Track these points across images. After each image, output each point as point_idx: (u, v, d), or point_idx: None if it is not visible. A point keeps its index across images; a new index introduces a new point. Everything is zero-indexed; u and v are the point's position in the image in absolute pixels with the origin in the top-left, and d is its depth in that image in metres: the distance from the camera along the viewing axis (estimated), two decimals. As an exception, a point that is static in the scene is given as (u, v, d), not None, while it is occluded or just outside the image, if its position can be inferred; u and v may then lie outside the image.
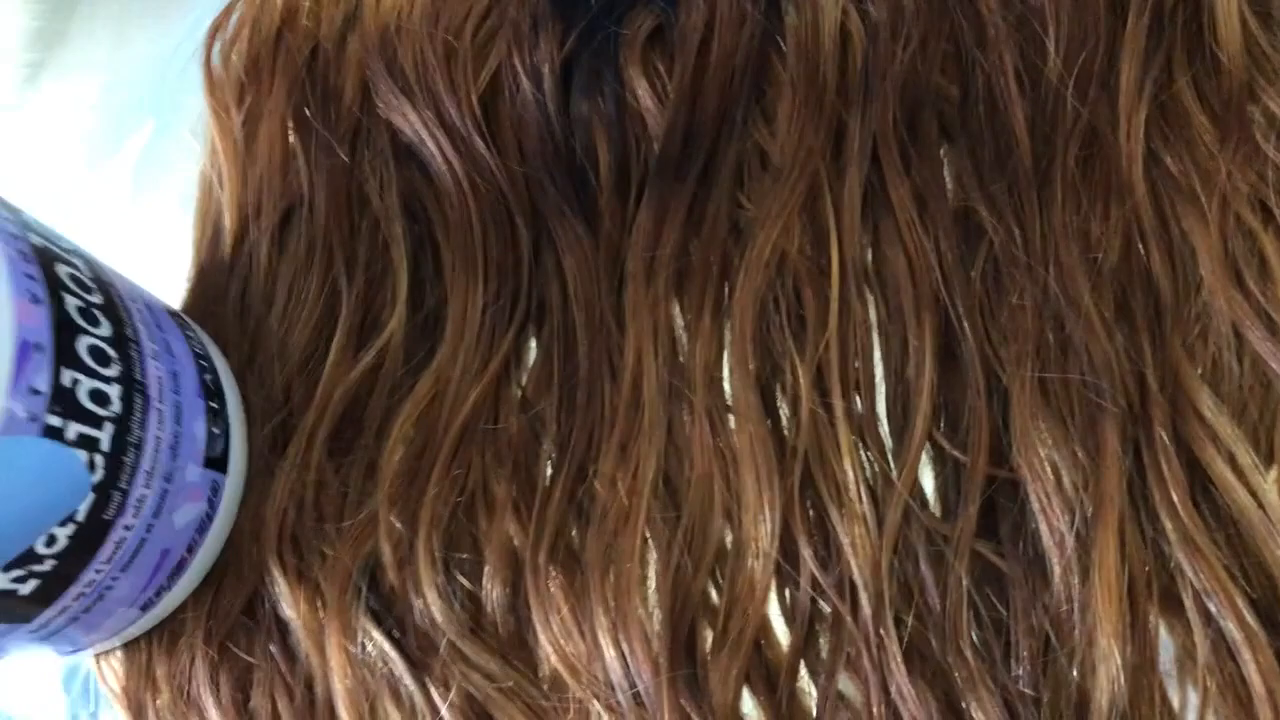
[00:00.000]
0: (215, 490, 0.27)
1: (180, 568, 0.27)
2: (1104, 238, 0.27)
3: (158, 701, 0.27)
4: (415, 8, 0.31)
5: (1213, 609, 0.24)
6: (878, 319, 0.28)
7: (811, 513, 0.27)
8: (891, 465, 0.27)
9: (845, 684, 0.26)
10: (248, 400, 0.28)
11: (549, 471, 0.28)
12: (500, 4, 0.31)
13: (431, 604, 0.27)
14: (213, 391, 0.27)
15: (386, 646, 0.26)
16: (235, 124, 0.30)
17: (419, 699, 0.26)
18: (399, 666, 0.26)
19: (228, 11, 0.31)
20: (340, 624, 0.27)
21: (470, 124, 0.29)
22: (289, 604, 0.27)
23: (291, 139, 0.30)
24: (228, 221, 0.30)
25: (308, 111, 0.30)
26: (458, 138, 0.29)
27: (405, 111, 0.30)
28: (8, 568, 0.22)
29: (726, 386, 0.28)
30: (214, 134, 0.31)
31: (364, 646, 0.27)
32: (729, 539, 0.27)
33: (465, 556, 0.27)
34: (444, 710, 0.26)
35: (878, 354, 0.28)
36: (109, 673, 0.28)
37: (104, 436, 0.23)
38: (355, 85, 0.30)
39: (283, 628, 0.28)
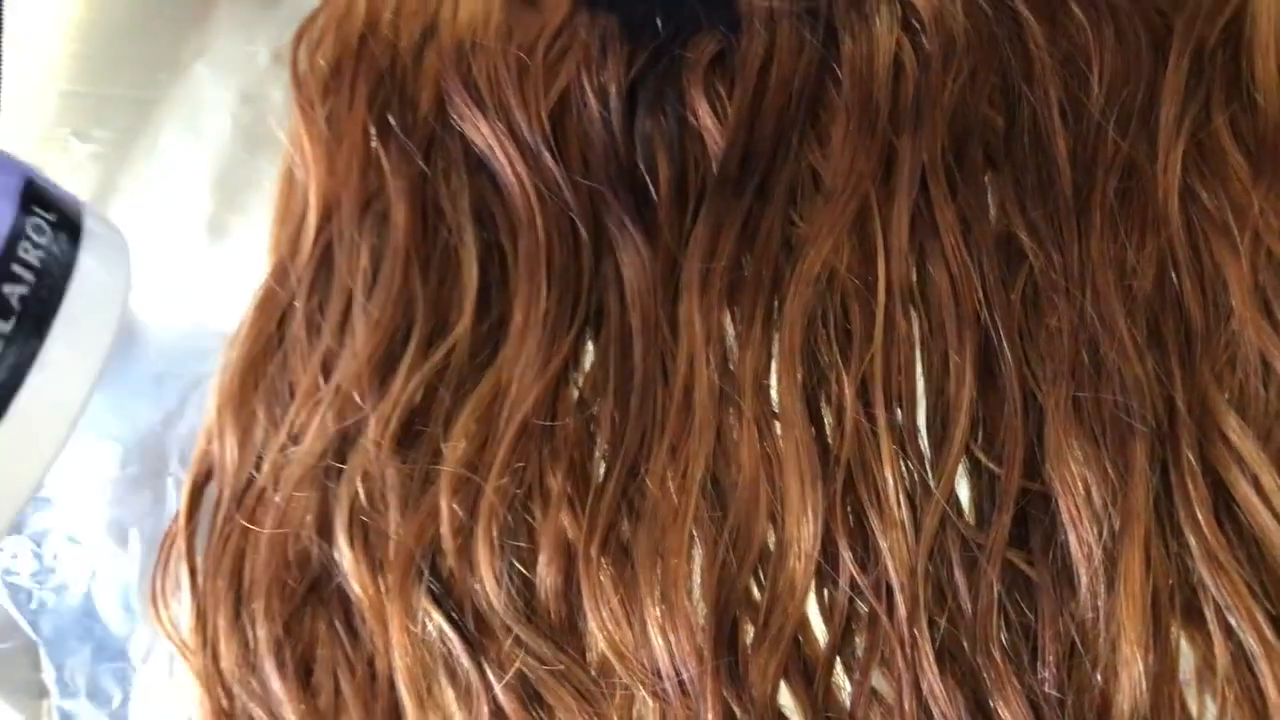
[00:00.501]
0: None
1: None
2: (1139, 266, 0.28)
3: (223, 668, 0.29)
4: (490, 25, 0.32)
5: (1233, 622, 0.26)
6: (920, 336, 0.29)
7: (852, 518, 0.28)
8: (929, 475, 0.28)
9: (878, 681, 0.27)
10: None
11: (602, 469, 0.29)
12: (571, 26, 0.32)
13: (489, 588, 0.28)
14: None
15: (446, 627, 0.28)
16: (320, 119, 0.32)
17: (474, 677, 0.28)
18: (457, 646, 0.28)
19: (313, 18, 0.33)
20: (403, 604, 0.28)
21: (539, 138, 0.31)
22: (356, 582, 0.28)
23: (373, 143, 0.31)
24: (311, 215, 0.31)
25: (390, 118, 0.31)
26: (527, 150, 0.31)
27: (478, 123, 0.31)
28: None
29: (774, 395, 0.29)
30: (299, 128, 0.32)
31: (424, 626, 0.28)
32: (772, 540, 0.28)
33: (521, 545, 0.29)
34: (498, 689, 0.28)
35: (919, 369, 0.29)
36: (174, 634, 0.30)
37: None
38: (431, 96, 0.32)
39: (346, 607, 0.29)
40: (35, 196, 0.27)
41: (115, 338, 0.27)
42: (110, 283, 0.28)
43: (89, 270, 0.27)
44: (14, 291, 0.25)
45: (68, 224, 0.27)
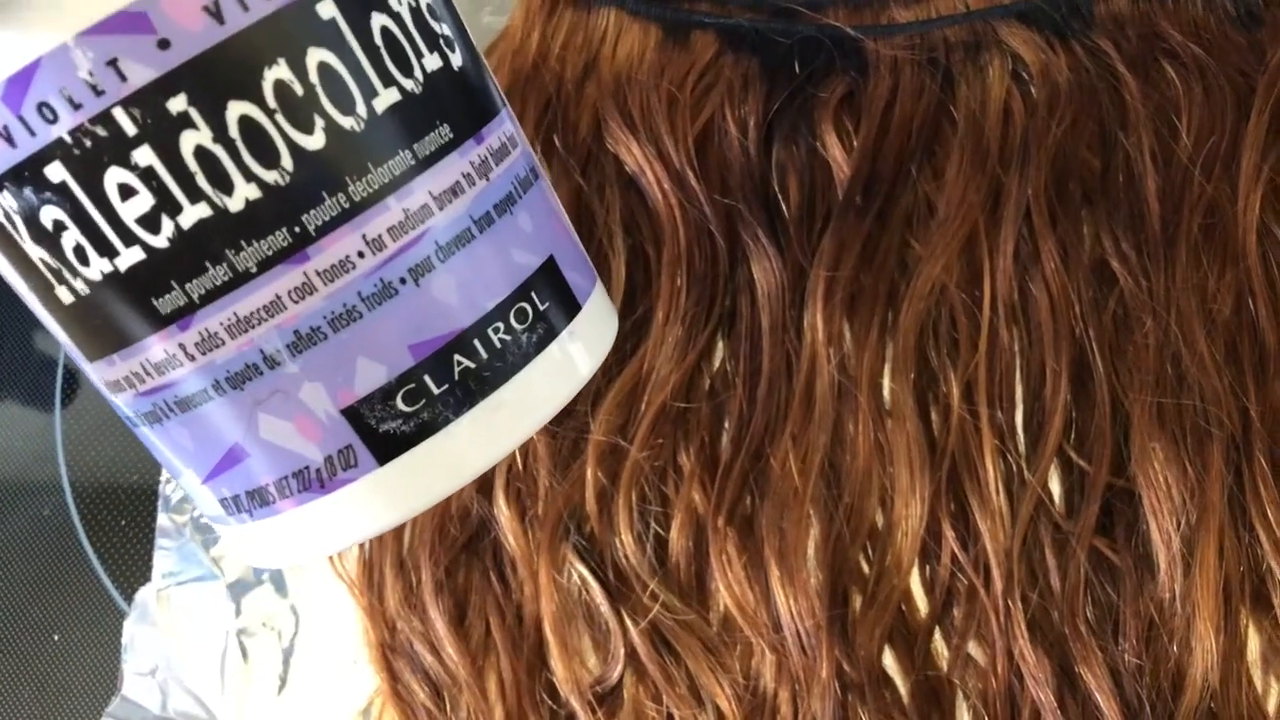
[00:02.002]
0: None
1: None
2: (1219, 293, 0.31)
3: (387, 606, 0.33)
4: (645, 63, 0.36)
5: (1298, 607, 0.29)
6: (1020, 347, 0.32)
7: (954, 503, 0.31)
8: (1026, 469, 0.31)
9: (974, 648, 0.31)
10: None
11: (730, 451, 0.32)
12: (717, 65, 0.36)
13: (626, 544, 0.32)
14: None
15: (589, 577, 0.32)
16: None
17: (613, 623, 0.31)
18: (598, 595, 0.31)
19: (490, 50, 0.37)
20: (550, 557, 0.32)
21: (685, 161, 0.34)
22: (510, 535, 0.32)
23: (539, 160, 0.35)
24: None
25: (554, 139, 0.35)
26: (673, 171, 0.34)
27: (631, 146, 0.35)
28: None
29: (886, 393, 0.33)
30: None
31: (569, 577, 0.32)
32: (880, 520, 0.32)
33: (657, 509, 0.32)
34: (634, 633, 0.31)
35: (1019, 376, 0.32)
36: (345, 574, 0.33)
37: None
38: (590, 122, 0.36)
39: (499, 558, 0.33)
40: None
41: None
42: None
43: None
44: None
45: None
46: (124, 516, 0.39)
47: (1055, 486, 0.31)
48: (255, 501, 0.22)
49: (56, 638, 0.38)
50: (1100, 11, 0.35)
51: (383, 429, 0.21)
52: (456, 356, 0.21)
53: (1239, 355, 0.31)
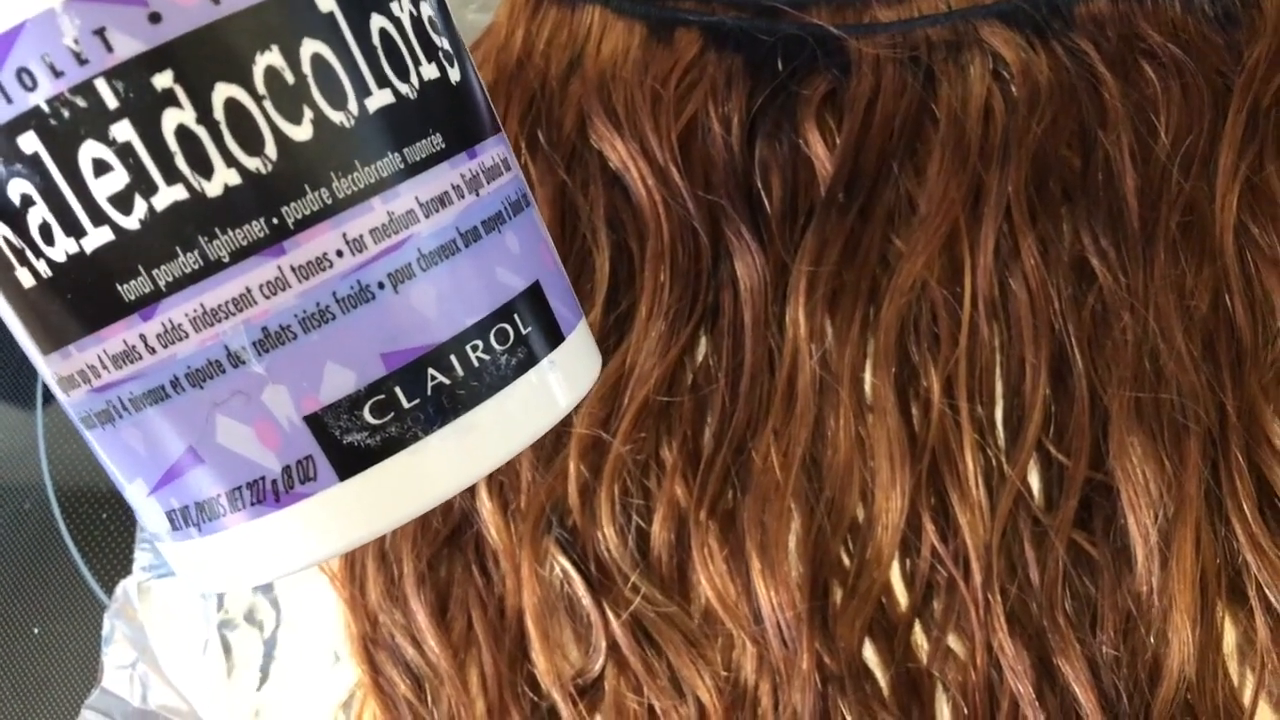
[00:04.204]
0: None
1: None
2: (1197, 289, 0.31)
3: (369, 598, 0.33)
4: (629, 60, 0.36)
5: (1273, 599, 0.29)
6: (1000, 342, 0.32)
7: (934, 497, 0.31)
8: (1005, 463, 0.31)
9: (953, 641, 0.31)
10: None
11: (712, 445, 0.33)
12: (701, 63, 0.36)
13: (609, 537, 0.32)
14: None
15: (570, 570, 0.32)
16: None
17: (594, 615, 0.31)
18: (579, 587, 0.32)
19: (475, 46, 0.38)
20: (533, 550, 0.32)
21: (668, 157, 0.34)
22: (493, 529, 0.32)
23: (523, 156, 0.36)
24: None
25: (538, 135, 0.36)
26: (657, 168, 0.35)
27: (615, 143, 0.35)
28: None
29: (868, 388, 0.33)
30: None
31: (551, 569, 0.32)
32: (861, 514, 0.32)
33: (639, 503, 0.32)
34: (615, 625, 0.31)
35: (999, 371, 0.32)
36: (326, 567, 0.33)
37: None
38: (574, 118, 0.36)
39: (481, 551, 0.33)
40: None
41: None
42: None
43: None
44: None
45: None
46: (105, 510, 0.38)
47: (1034, 480, 0.31)
48: (204, 515, 0.21)
49: (37, 631, 0.38)
50: (1080, 12, 0.35)
51: (347, 440, 0.20)
52: (431, 371, 0.20)
53: (1216, 351, 0.31)
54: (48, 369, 0.21)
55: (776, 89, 0.35)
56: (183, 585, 0.23)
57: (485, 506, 0.32)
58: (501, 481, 0.33)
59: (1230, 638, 0.30)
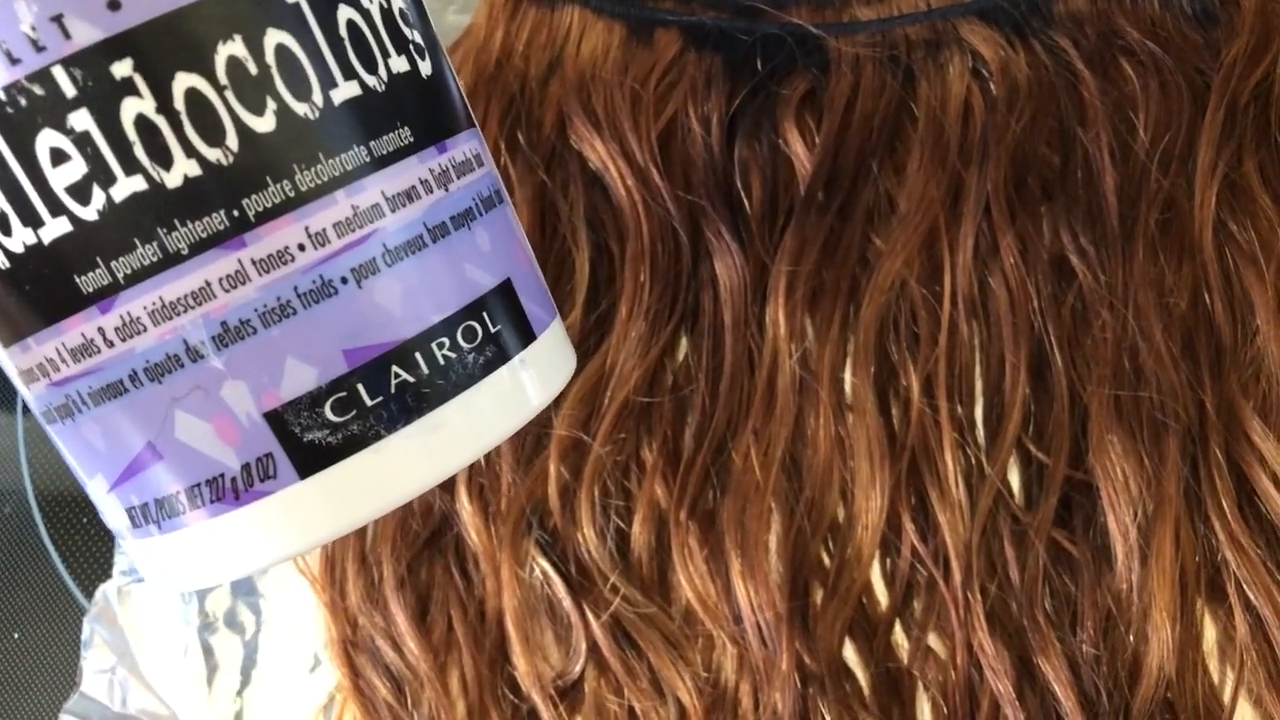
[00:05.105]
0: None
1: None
2: (1176, 287, 0.31)
3: (349, 602, 0.33)
4: (609, 60, 0.36)
5: (1252, 597, 0.29)
6: (980, 341, 0.32)
7: (914, 496, 0.31)
8: (985, 461, 0.31)
9: (933, 640, 0.31)
10: None
11: (692, 445, 0.32)
12: (681, 63, 0.36)
13: (589, 539, 0.32)
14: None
15: (550, 572, 0.32)
16: None
17: (574, 617, 0.31)
18: (560, 589, 0.31)
19: (453, 48, 0.38)
20: (513, 552, 0.32)
21: (648, 157, 0.34)
22: (472, 531, 0.32)
23: (502, 157, 0.36)
24: None
25: (518, 136, 0.35)
26: (636, 168, 0.34)
27: (595, 143, 0.35)
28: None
29: (847, 388, 0.33)
30: None
31: (531, 571, 0.32)
32: (841, 514, 0.32)
33: (619, 504, 0.32)
34: (595, 626, 0.31)
35: (978, 370, 0.32)
36: (307, 570, 0.33)
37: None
38: (554, 119, 0.36)
39: (461, 554, 0.33)
40: None
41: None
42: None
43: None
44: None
45: None
46: (85, 514, 0.38)
47: (1014, 479, 0.31)
48: (164, 512, 0.20)
49: (17, 635, 0.37)
50: (1059, 10, 0.35)
51: (307, 438, 0.20)
52: (395, 368, 0.20)
53: (1195, 349, 0.31)
54: (10, 362, 0.21)
55: (756, 88, 0.35)
56: (154, 586, 0.22)
57: (465, 509, 0.32)
58: (482, 484, 0.33)
59: (1210, 635, 0.30)
